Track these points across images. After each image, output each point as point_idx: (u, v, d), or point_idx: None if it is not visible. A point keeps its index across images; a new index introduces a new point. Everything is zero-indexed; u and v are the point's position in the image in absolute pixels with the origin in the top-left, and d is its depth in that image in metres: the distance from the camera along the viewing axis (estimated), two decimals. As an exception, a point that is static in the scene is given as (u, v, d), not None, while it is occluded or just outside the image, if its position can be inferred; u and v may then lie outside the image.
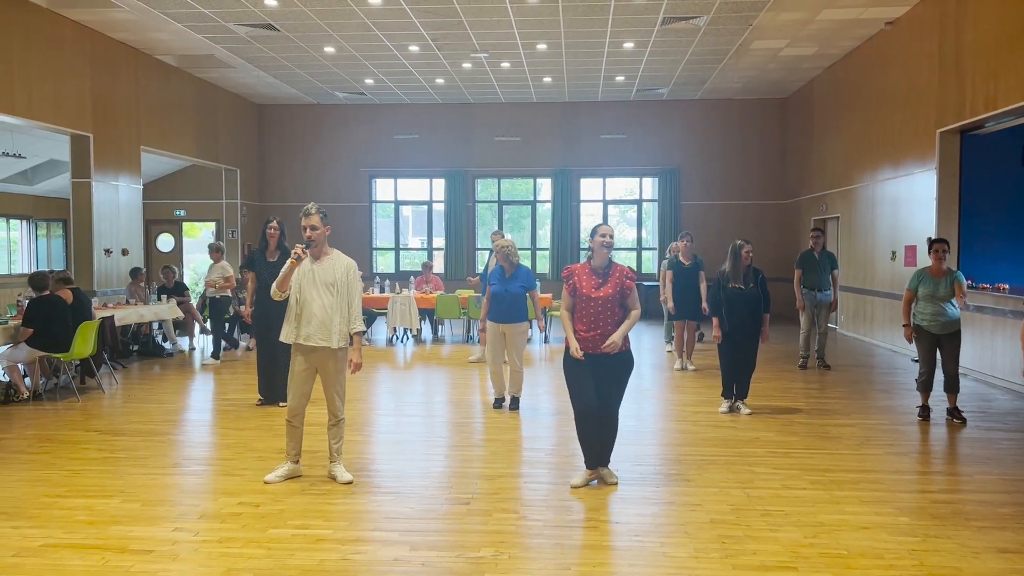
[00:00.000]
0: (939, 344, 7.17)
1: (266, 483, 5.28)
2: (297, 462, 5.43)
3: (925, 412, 7.26)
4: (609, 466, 5.38)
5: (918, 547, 4.21)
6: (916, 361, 10.40)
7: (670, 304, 10.11)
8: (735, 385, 7.50)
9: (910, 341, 7.31)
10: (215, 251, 11.34)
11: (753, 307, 7.32)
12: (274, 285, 5.33)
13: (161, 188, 17.72)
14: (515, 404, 7.68)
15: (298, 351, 5.27)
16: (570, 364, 5.23)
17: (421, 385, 9.32)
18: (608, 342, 5.09)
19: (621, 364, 5.22)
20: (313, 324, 5.18)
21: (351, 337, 5.31)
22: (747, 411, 7.42)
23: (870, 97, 12.58)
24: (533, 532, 4.44)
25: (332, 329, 5.20)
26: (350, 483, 5.27)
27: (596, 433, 5.23)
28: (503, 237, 10.73)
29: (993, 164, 10.28)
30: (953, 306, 7.11)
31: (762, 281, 7.40)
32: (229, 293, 11.35)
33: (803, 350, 10.17)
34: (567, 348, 5.23)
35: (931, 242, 7.32)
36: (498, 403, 7.75)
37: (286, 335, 5.28)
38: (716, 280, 7.50)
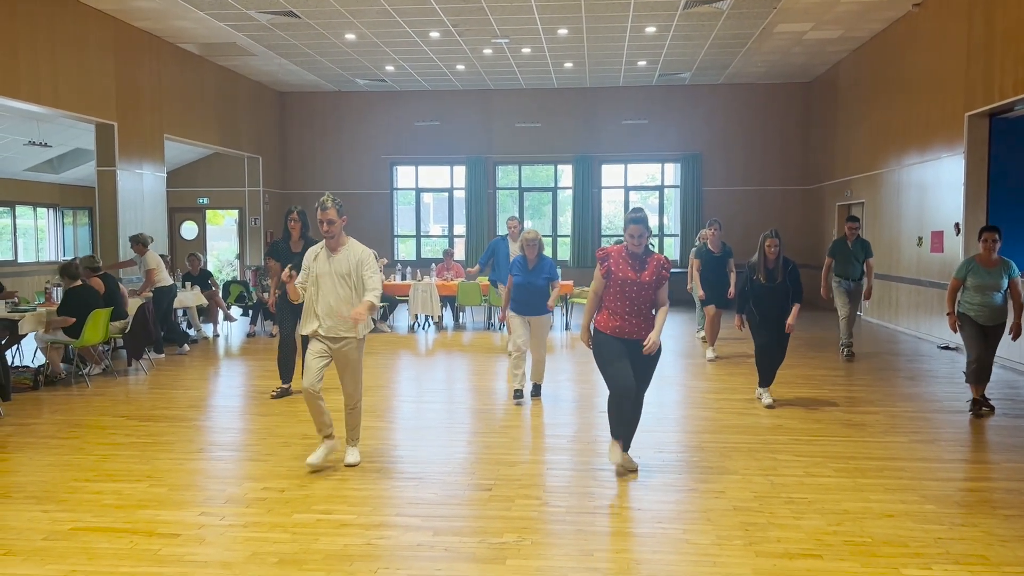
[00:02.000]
0: (983, 334, 6.95)
1: (310, 465, 5.24)
2: (331, 437, 5.39)
3: (976, 406, 6.86)
4: (629, 452, 5.37)
5: (944, 535, 4.18)
6: (942, 348, 10.35)
7: (699, 292, 9.96)
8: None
9: (955, 330, 7.11)
10: (137, 243, 10.35)
11: (780, 301, 7.13)
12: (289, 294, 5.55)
13: (184, 176, 17.87)
14: (537, 391, 7.68)
15: (316, 341, 5.28)
16: (602, 346, 5.15)
17: (442, 372, 9.35)
18: (648, 343, 5.01)
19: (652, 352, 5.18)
20: (332, 316, 5.21)
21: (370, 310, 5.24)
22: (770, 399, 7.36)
23: (896, 80, 12.38)
24: (555, 518, 4.45)
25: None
26: (354, 465, 5.33)
27: (630, 411, 5.13)
28: (518, 223, 10.59)
29: (1023, 148, 10.07)
30: (1002, 296, 6.87)
31: (793, 272, 7.18)
32: (168, 284, 10.45)
33: (844, 336, 9.75)
34: (598, 332, 5.19)
35: (980, 231, 7.04)
36: (518, 392, 7.73)
37: (305, 328, 5.30)
38: (745, 271, 7.38)
